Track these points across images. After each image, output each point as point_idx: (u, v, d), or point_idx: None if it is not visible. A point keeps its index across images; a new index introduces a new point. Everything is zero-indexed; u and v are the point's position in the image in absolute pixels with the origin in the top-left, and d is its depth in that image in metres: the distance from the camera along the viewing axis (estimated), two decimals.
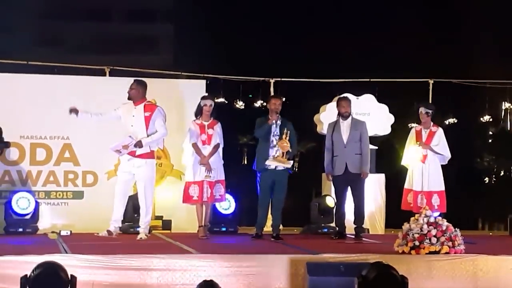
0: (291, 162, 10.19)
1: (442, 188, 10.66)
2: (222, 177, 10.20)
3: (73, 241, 9.49)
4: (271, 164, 10.10)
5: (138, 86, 10.25)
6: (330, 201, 11.21)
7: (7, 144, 10.90)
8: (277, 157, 10.05)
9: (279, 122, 10.17)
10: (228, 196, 11.00)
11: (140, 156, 10.01)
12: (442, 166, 10.77)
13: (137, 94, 10.19)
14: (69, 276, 5.05)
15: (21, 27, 43.84)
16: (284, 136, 9.98)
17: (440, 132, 10.70)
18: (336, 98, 11.51)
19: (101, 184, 11.49)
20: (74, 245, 8.87)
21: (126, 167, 10.11)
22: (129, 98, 10.20)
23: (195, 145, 10.08)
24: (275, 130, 10.15)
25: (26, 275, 5.02)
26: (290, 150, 10.08)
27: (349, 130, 10.35)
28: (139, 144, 9.94)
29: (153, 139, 10.07)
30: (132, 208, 10.83)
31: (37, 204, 10.81)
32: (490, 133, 20.15)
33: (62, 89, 11.56)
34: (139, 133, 10.02)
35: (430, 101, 12.88)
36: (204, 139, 10.08)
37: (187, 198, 10.11)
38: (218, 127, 10.18)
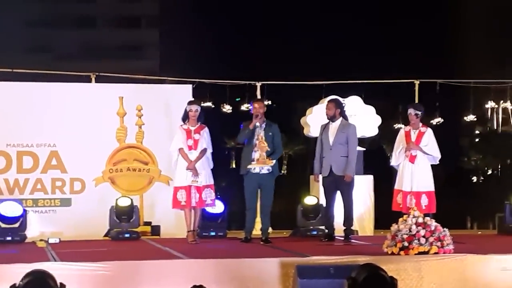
0: (273, 161, 10.15)
1: (432, 188, 10.67)
2: (211, 181, 10.18)
3: (62, 248, 9.45)
4: (254, 167, 10.10)
5: None
6: (311, 201, 11.21)
7: None
8: (258, 159, 10.05)
9: (263, 125, 10.18)
10: (217, 200, 10.99)
11: None
12: (431, 166, 10.78)
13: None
14: (58, 284, 5.03)
15: (7, 35, 43.70)
16: (260, 138, 9.98)
17: (429, 133, 10.71)
18: (322, 100, 11.54)
19: (89, 191, 11.44)
20: (63, 253, 8.84)
21: None
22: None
23: (181, 150, 10.07)
24: (259, 133, 10.15)
25: (14, 284, 4.98)
26: (269, 149, 10.06)
27: (336, 132, 10.35)
28: None
29: None
30: (116, 215, 10.80)
31: (24, 212, 10.75)
32: (477, 132, 20.23)
33: (49, 96, 11.52)
34: None
35: (417, 102, 12.90)
36: (190, 144, 10.07)
37: (175, 204, 10.09)
38: (205, 132, 10.16)
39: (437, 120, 15.30)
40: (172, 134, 10.38)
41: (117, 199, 10.96)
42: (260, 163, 10.06)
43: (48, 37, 47.14)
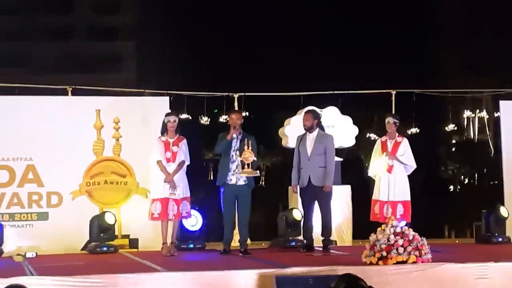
0: (257, 172, 10.19)
1: (408, 198, 10.72)
2: (188, 194, 10.17)
3: (39, 263, 9.37)
4: (228, 178, 10.08)
5: None
6: (297, 214, 11.22)
7: None
8: (244, 169, 10.04)
9: (240, 136, 10.18)
10: (194, 212, 10.97)
11: None
12: (408, 175, 10.84)
13: None
14: None
15: None
16: (245, 147, 9.98)
17: (405, 142, 10.78)
18: (300, 111, 11.56)
19: (66, 205, 11.37)
20: (40, 267, 8.77)
21: None
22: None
23: (159, 163, 10.04)
24: (235, 145, 10.16)
25: None
26: (256, 159, 10.06)
27: (313, 143, 10.38)
28: None
29: None
30: (98, 227, 10.76)
31: (0, 227, 10.65)
32: (454, 141, 20.37)
33: (25, 110, 11.45)
34: None
35: (393, 112, 12.97)
36: (168, 156, 10.05)
37: (150, 215, 10.08)
38: (183, 144, 10.15)
39: (414, 130, 15.39)
40: (150, 147, 10.35)
41: (102, 214, 10.89)
42: (245, 173, 10.02)
43: (23, 49, 46.90)
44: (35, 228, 11.29)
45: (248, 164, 9.99)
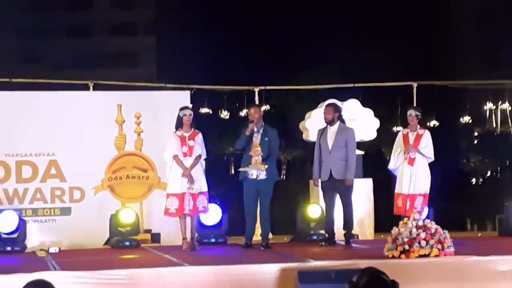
0: (266, 166, 10.12)
1: (427, 191, 10.67)
2: (205, 188, 10.16)
3: (62, 258, 9.44)
4: (248, 172, 10.11)
5: None
6: (316, 210, 11.22)
7: None
8: (251, 162, 10.06)
9: (261, 130, 10.18)
10: (216, 206, 10.99)
11: None
12: (430, 168, 10.79)
13: None
14: None
15: (2, 45, 43.72)
16: (255, 142, 10.00)
17: (427, 135, 10.73)
18: (321, 105, 11.53)
19: (89, 200, 11.43)
20: (63, 262, 8.83)
21: None
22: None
23: (176, 157, 10.04)
24: (256, 139, 10.15)
25: None
26: (262, 154, 10.06)
27: (335, 136, 10.36)
28: None
29: None
30: (116, 225, 10.81)
31: (23, 222, 10.73)
32: (476, 134, 20.22)
33: (46, 106, 11.52)
34: None
35: (415, 104, 12.91)
36: (185, 150, 10.04)
37: (165, 211, 10.09)
38: (199, 138, 10.14)
39: (435, 123, 15.30)
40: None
41: (118, 211, 10.95)
42: (252, 168, 10.07)
43: (44, 46, 47.17)
44: (58, 223, 11.36)
45: (256, 159, 10.00)
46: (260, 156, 10.05)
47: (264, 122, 10.29)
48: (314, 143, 10.80)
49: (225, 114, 15.61)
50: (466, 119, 16.25)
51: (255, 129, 10.15)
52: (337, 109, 10.58)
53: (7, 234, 10.56)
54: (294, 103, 16.50)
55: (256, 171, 10.09)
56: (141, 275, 7.97)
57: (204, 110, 13.98)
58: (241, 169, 10.17)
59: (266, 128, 10.24)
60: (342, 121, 10.52)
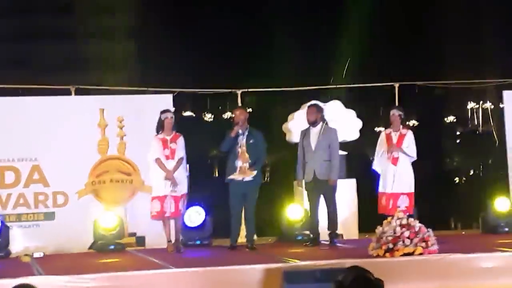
0: (255, 172, 10.16)
1: (411, 189, 10.72)
2: (186, 190, 10.18)
3: (47, 262, 9.41)
4: (235, 177, 10.13)
5: None
6: (297, 211, 11.25)
7: None
8: (240, 169, 10.08)
9: (246, 132, 10.19)
10: (199, 208, 11.01)
11: None
12: (413, 167, 10.84)
13: None
14: None
15: None
16: (242, 147, 10.02)
17: (410, 134, 10.78)
18: (303, 106, 11.56)
19: (72, 204, 11.39)
20: (48, 267, 8.80)
21: None
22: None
23: (158, 160, 10.05)
24: (241, 141, 10.17)
25: None
26: (250, 160, 10.09)
27: (318, 137, 10.39)
28: None
29: None
30: (100, 227, 10.80)
31: (6, 228, 10.67)
32: (458, 133, 20.36)
33: (29, 111, 11.47)
34: None
35: (397, 104, 12.96)
36: (167, 153, 10.05)
37: (150, 214, 10.11)
38: (180, 141, 10.15)
39: (417, 122, 15.40)
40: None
41: (101, 216, 10.93)
42: (241, 174, 10.10)
43: (26, 50, 46.96)
44: (42, 228, 11.31)
45: (245, 166, 10.03)
46: (247, 163, 10.07)
47: (249, 124, 10.31)
48: (297, 144, 10.82)
49: (208, 117, 15.62)
50: (449, 118, 16.36)
51: (240, 131, 10.16)
52: (320, 110, 10.61)
53: None
54: (276, 105, 16.54)
55: (241, 176, 10.11)
56: (127, 279, 7.95)
57: (187, 113, 14.00)
58: (229, 178, 10.16)
59: (251, 130, 10.26)
60: (325, 122, 10.55)
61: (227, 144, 10.23)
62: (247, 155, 10.05)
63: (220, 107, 14.65)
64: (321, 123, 10.49)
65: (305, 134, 10.52)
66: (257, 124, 10.67)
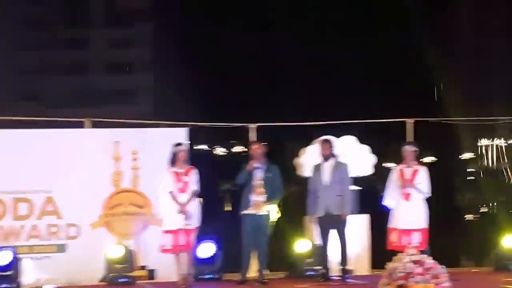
0: (270, 206, 10.19)
1: (425, 225, 10.69)
2: (198, 224, 10.21)
3: None
4: (250, 212, 10.15)
5: None
6: (305, 245, 11.23)
7: None
8: (254, 203, 10.11)
9: (264, 167, 10.23)
10: (210, 243, 11.02)
11: None
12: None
13: None
14: None
15: (1, 84, 43.92)
16: (257, 182, 10.05)
17: (423, 170, 10.78)
18: (316, 140, 11.60)
19: (84, 236, 11.42)
20: None
21: None
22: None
23: (171, 193, 10.09)
24: (257, 175, 10.20)
25: None
26: (265, 194, 10.11)
27: (331, 171, 10.43)
28: None
29: None
30: (111, 260, 10.81)
31: (17, 260, 10.70)
32: (470, 170, 20.30)
33: (43, 143, 11.56)
34: None
35: (409, 140, 12.94)
36: (180, 186, 10.09)
37: (161, 248, 10.10)
38: (193, 174, 10.20)
39: (429, 158, 15.38)
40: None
41: (111, 248, 10.95)
42: (255, 208, 10.11)
43: (41, 84, 47.35)
44: (54, 260, 11.33)
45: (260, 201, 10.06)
46: (262, 197, 10.09)
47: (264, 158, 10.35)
48: (308, 179, 10.84)
49: (221, 151, 15.68)
50: (461, 154, 16.33)
51: (256, 165, 10.21)
52: (332, 145, 10.68)
53: (2, 271, 10.51)
54: (287, 140, 16.57)
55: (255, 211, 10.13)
56: None
57: (200, 146, 14.05)
58: (245, 212, 10.17)
59: (268, 164, 10.30)
60: (336, 157, 10.60)
61: (242, 177, 10.26)
62: (262, 189, 10.08)
63: (233, 141, 14.69)
64: (333, 158, 10.53)
65: (317, 168, 10.55)
66: (270, 158, 10.70)
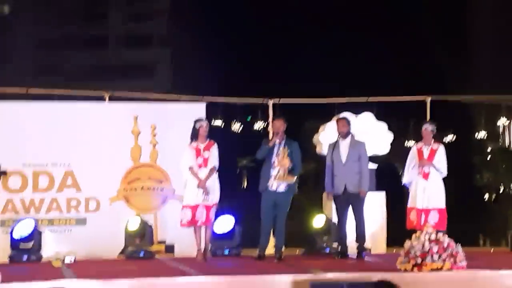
0: (294, 178, 10.24)
1: (443, 205, 10.70)
2: (217, 199, 10.26)
3: (77, 267, 9.53)
4: (273, 184, 10.18)
5: None
6: (321, 220, 11.26)
7: (4, 173, 10.98)
8: (278, 175, 10.13)
9: (283, 142, 10.26)
10: (230, 217, 11.08)
11: None
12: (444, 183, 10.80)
13: None
14: None
15: (21, 56, 44.06)
16: (282, 155, 10.07)
17: (441, 149, 10.77)
18: (334, 118, 11.60)
19: (104, 210, 11.52)
20: (78, 271, 8.92)
21: None
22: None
23: (191, 169, 10.15)
24: (277, 151, 10.24)
25: None
26: (290, 167, 10.14)
27: (348, 149, 10.45)
28: None
29: None
30: (133, 233, 10.90)
31: (39, 232, 10.83)
32: (489, 149, 20.19)
33: (63, 116, 11.64)
34: None
35: (428, 119, 12.93)
36: (200, 162, 10.15)
37: (180, 222, 10.19)
38: (214, 149, 10.25)
39: (449, 137, 15.31)
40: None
41: (127, 222, 11.05)
42: (279, 180, 10.13)
43: (61, 57, 47.44)
44: (74, 234, 11.46)
45: (284, 171, 10.09)
46: (286, 168, 10.12)
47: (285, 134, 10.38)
48: (326, 156, 10.85)
49: (238, 127, 15.68)
50: (480, 134, 16.24)
51: (277, 142, 10.24)
52: (349, 123, 10.69)
53: (23, 243, 10.65)
54: (306, 117, 16.55)
55: (277, 183, 10.16)
56: (155, 285, 8.04)
57: (218, 122, 14.06)
58: (264, 186, 10.19)
59: (288, 141, 10.33)
60: (353, 135, 10.61)
61: (263, 153, 10.29)
62: (287, 161, 10.09)
63: (251, 117, 14.67)
64: (350, 135, 10.55)
65: (334, 147, 10.56)
66: (288, 135, 10.71)
